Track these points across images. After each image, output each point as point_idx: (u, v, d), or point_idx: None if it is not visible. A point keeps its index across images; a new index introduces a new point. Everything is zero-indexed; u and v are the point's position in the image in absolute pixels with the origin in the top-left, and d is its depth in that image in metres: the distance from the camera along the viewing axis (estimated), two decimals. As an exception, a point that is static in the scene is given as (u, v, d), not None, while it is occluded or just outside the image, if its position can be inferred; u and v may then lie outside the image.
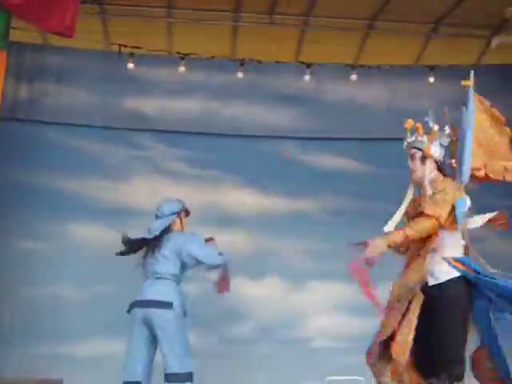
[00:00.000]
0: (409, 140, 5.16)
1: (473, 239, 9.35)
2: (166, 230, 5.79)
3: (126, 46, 8.86)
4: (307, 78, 9.24)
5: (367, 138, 9.51)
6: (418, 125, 5.16)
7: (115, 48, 8.96)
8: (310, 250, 9.09)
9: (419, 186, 5.16)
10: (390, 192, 9.13)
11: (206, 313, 8.91)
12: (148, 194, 9.11)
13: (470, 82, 5.34)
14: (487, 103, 5.40)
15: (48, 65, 9.08)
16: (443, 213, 4.94)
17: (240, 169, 9.18)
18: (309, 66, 9.19)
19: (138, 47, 8.86)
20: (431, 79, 9.30)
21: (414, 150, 5.13)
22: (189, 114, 9.30)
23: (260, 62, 9.11)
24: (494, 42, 8.12)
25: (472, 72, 5.38)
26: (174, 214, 5.87)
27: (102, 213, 8.96)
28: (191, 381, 5.45)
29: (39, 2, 6.68)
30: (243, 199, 9.32)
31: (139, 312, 5.58)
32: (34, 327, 8.48)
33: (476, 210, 9.31)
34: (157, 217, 5.86)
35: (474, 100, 5.28)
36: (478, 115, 5.24)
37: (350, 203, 9.22)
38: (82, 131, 9.12)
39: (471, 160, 5.09)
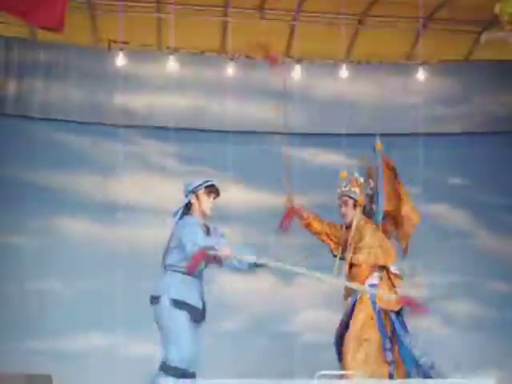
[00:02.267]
0: (343, 189, 6.35)
1: (462, 236, 9.45)
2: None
3: (115, 42, 8.84)
4: (297, 73, 9.23)
5: (357, 134, 9.51)
6: (353, 178, 6.34)
7: (104, 43, 8.94)
8: (300, 244, 9.08)
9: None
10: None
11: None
12: (137, 189, 9.12)
13: (380, 146, 6.57)
14: (391, 163, 6.60)
15: (36, 60, 9.04)
16: None
17: (229, 164, 9.16)
18: (298, 61, 9.18)
19: (127, 42, 8.84)
20: (421, 75, 9.31)
21: (346, 198, 6.37)
22: (178, 109, 9.28)
23: (250, 58, 9.10)
24: (483, 37, 8.13)
25: (378, 138, 6.65)
26: (187, 195, 5.71)
27: (90, 208, 8.95)
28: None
29: (27, -4, 6.65)
30: (233, 195, 9.29)
31: None
32: (21, 322, 8.47)
33: (472, 208, 9.42)
34: None
35: (383, 160, 6.51)
36: (386, 171, 6.47)
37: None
38: (70, 126, 9.09)
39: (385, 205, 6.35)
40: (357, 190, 6.35)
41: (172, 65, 9.03)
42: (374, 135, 9.36)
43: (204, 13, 9.01)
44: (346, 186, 6.29)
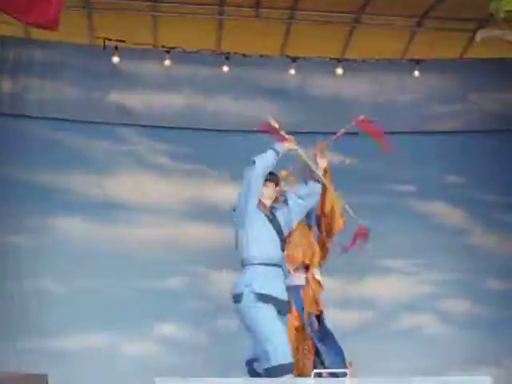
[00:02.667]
0: (282, 188, 5.97)
1: (459, 234, 9.45)
2: None
3: (110, 40, 8.81)
4: (293, 71, 9.23)
5: (353, 133, 9.49)
6: (294, 179, 6.11)
7: (100, 42, 8.91)
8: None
9: None
10: (377, 186, 9.31)
11: (191, 306, 8.93)
12: (132, 188, 9.11)
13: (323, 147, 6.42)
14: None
15: (32, 59, 9.00)
16: None
17: (225, 163, 9.15)
18: (294, 59, 9.18)
19: (123, 41, 8.82)
20: (417, 73, 9.32)
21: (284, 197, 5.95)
22: (174, 108, 9.27)
23: (245, 56, 9.09)
24: (478, 35, 8.12)
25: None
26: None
27: (86, 207, 8.93)
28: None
29: (22, -6, 6.63)
30: (229, 194, 9.29)
31: None
32: (17, 322, 8.45)
33: (469, 206, 9.43)
34: None
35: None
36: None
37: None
38: (66, 125, 9.07)
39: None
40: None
41: (168, 63, 9.02)
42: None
43: (200, 11, 9.00)
44: (285, 186, 6.03)
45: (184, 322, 8.89)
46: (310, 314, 5.79)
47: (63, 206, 8.88)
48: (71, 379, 8.06)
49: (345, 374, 4.93)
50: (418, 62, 9.30)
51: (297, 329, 5.73)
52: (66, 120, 9.07)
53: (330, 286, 8.65)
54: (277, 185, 5.81)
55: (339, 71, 9.23)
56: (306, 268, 5.92)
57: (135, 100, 9.27)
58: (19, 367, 7.75)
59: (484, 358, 8.67)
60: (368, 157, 9.37)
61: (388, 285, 9.22)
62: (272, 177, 5.76)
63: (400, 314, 9.12)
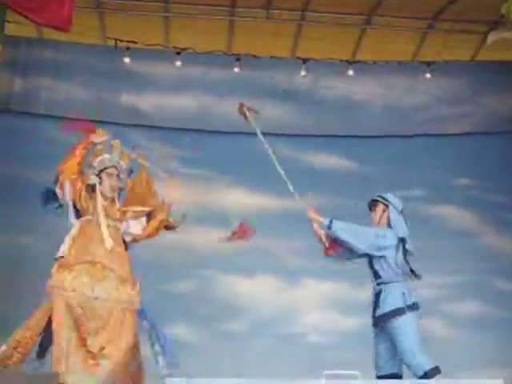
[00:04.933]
0: (112, 157, 5.92)
1: (469, 236, 9.43)
2: None
3: (122, 41, 8.85)
4: (303, 73, 9.24)
5: (363, 135, 9.51)
6: (125, 150, 6.01)
7: (111, 42, 8.95)
8: (303, 248, 9.07)
9: None
10: (387, 190, 9.28)
11: (201, 309, 8.93)
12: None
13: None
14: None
15: (43, 59, 9.05)
16: None
17: (234, 167, 9.16)
18: (305, 61, 9.19)
19: (134, 42, 8.86)
20: (427, 75, 9.31)
21: (113, 169, 5.91)
22: (185, 109, 9.28)
23: (256, 57, 9.10)
24: (490, 37, 8.11)
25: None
26: None
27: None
28: None
29: (35, -5, 6.67)
30: (237, 197, 9.31)
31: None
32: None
33: (479, 208, 9.40)
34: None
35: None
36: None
37: (343, 201, 9.12)
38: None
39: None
40: (122, 162, 6.03)
41: (179, 64, 9.04)
42: (379, 137, 9.48)
43: (211, 12, 9.01)
44: (114, 156, 5.95)
45: (192, 324, 8.90)
46: None
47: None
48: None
49: (356, 377, 4.93)
50: (429, 64, 9.29)
51: None
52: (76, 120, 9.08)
53: (333, 289, 8.75)
54: None
55: (350, 73, 9.24)
56: None
57: (145, 101, 9.28)
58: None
59: (495, 360, 8.63)
60: (376, 161, 9.42)
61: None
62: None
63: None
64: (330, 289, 8.50)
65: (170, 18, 9.11)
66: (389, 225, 5.70)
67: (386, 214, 5.76)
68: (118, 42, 8.86)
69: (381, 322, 5.49)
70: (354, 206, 8.34)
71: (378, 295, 5.60)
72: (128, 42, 8.84)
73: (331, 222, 5.65)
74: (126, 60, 8.93)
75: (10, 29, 7.51)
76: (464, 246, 9.23)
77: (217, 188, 9.32)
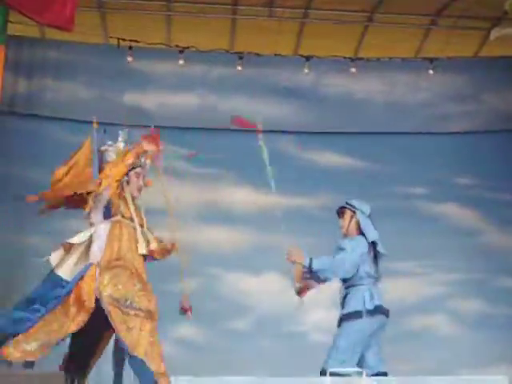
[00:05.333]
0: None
1: (471, 234, 9.43)
2: None
3: (124, 40, 8.84)
4: (306, 70, 9.23)
5: (365, 132, 9.49)
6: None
7: (114, 41, 8.94)
8: (308, 246, 9.06)
9: None
10: (390, 188, 9.30)
11: (205, 307, 8.92)
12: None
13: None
14: None
15: (46, 59, 9.03)
16: None
17: (238, 165, 9.14)
18: (308, 59, 9.17)
19: (136, 41, 8.85)
20: (431, 72, 9.29)
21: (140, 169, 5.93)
22: (187, 107, 9.27)
23: (259, 55, 9.10)
24: (493, 34, 8.11)
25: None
26: None
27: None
28: None
29: (37, -5, 6.67)
30: (242, 196, 9.30)
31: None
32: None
33: (481, 206, 9.40)
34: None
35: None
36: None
37: (346, 199, 9.09)
38: (80, 126, 9.06)
39: None
40: (148, 162, 6.06)
41: (181, 63, 9.03)
42: (383, 133, 9.47)
43: (213, 10, 9.00)
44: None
45: (196, 322, 8.90)
46: None
47: (80, 208, 8.86)
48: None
49: (361, 374, 4.94)
50: (431, 60, 9.26)
51: None
52: (80, 121, 9.07)
53: (338, 287, 8.73)
54: None
55: (353, 70, 9.22)
56: None
57: (149, 100, 9.27)
58: (36, 366, 7.75)
59: (501, 357, 8.62)
60: (379, 159, 9.40)
61: (400, 286, 9.18)
62: None
63: (413, 314, 9.09)
64: (336, 288, 8.46)
65: (172, 16, 9.11)
66: (359, 230, 5.78)
67: (354, 220, 5.84)
68: (120, 41, 8.84)
69: (342, 322, 5.66)
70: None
71: (344, 298, 5.77)
72: (130, 41, 8.83)
73: (311, 260, 5.84)
74: (129, 59, 8.92)
75: (12, 29, 7.49)
76: (467, 243, 9.22)
77: (221, 186, 9.31)
